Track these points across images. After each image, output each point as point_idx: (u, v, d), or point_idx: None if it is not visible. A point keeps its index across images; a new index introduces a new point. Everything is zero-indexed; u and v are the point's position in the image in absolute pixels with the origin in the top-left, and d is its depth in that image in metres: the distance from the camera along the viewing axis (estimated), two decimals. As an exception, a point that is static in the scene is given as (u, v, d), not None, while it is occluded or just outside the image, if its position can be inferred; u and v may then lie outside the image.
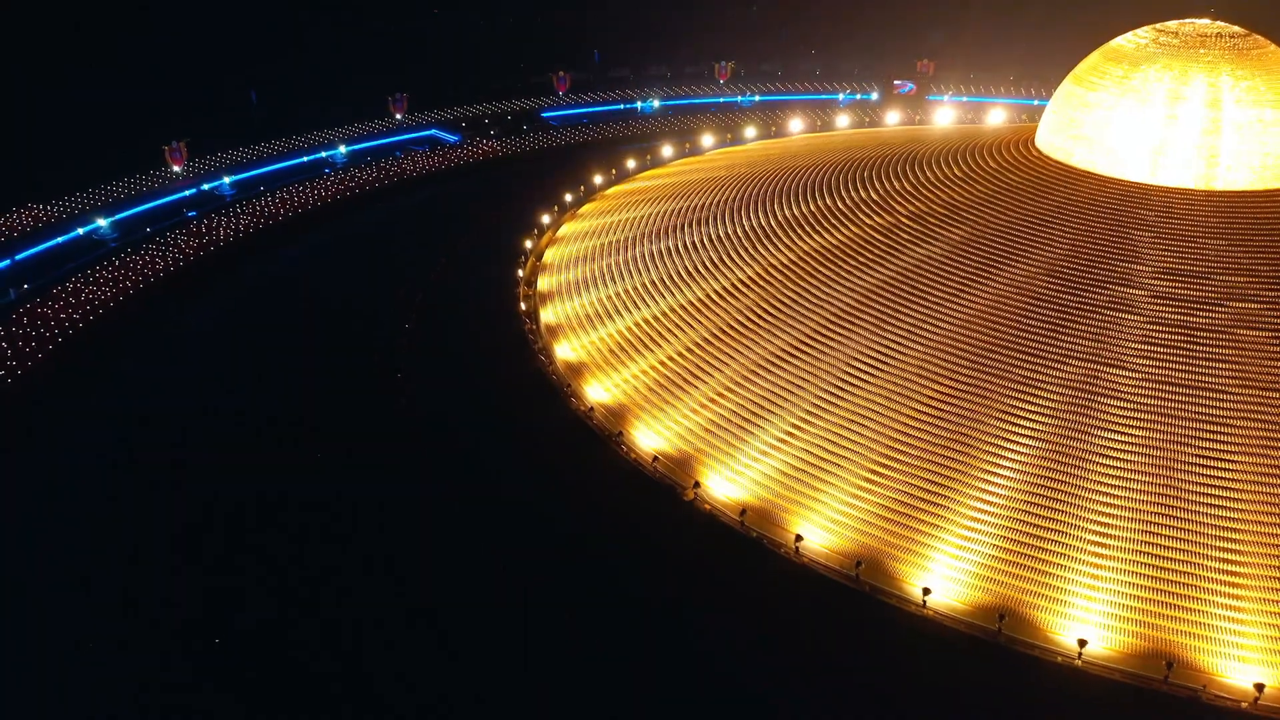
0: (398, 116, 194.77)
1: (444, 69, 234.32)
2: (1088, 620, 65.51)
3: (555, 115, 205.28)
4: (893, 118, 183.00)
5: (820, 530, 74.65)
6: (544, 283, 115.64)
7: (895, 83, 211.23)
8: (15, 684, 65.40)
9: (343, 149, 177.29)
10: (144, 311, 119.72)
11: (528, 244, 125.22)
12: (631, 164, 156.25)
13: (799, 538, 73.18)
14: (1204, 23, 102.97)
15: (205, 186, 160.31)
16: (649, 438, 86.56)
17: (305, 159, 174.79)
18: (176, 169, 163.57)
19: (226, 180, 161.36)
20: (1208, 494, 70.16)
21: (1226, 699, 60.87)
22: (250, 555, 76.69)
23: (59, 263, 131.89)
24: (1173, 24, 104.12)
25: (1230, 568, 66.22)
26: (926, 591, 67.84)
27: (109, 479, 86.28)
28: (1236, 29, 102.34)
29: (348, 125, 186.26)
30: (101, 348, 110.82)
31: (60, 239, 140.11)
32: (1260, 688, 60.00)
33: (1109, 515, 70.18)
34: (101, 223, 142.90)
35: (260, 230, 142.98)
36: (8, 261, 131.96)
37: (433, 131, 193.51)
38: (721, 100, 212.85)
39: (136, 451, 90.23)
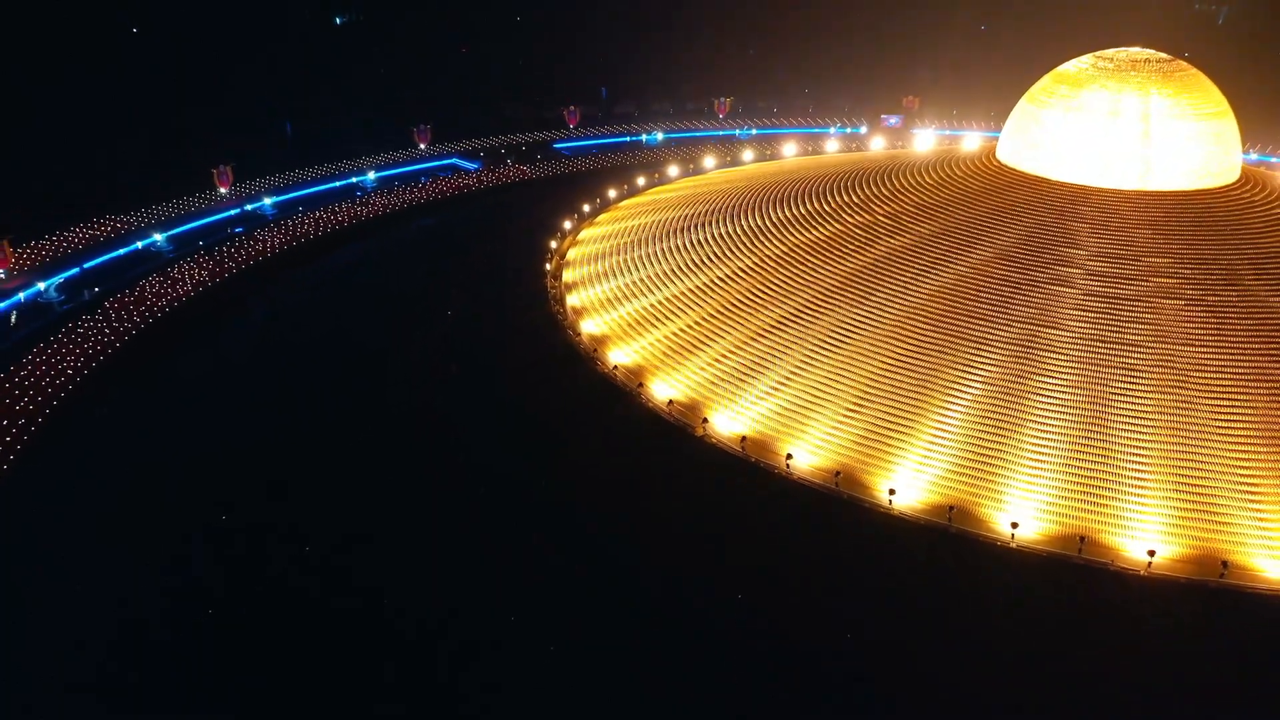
0: (422, 146, 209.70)
1: (465, 103, 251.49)
2: (1020, 515, 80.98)
3: (566, 146, 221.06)
4: (878, 143, 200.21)
5: (806, 455, 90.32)
6: (568, 275, 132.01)
7: (883, 117, 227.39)
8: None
9: (372, 175, 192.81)
10: (198, 314, 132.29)
11: (552, 244, 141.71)
12: (641, 181, 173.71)
13: (789, 456, 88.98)
14: (1136, 50, 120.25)
15: (249, 207, 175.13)
16: (664, 389, 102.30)
17: (338, 183, 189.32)
18: (223, 190, 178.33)
19: (268, 201, 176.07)
20: (1124, 422, 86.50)
21: (1128, 568, 76.46)
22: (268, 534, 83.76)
23: (122, 271, 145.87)
24: (1109, 51, 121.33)
25: (1139, 474, 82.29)
26: (892, 492, 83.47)
27: (131, 475, 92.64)
28: (1163, 55, 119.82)
29: (376, 153, 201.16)
30: (157, 346, 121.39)
31: (122, 250, 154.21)
32: (1151, 553, 75.70)
33: (1042, 437, 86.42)
34: (158, 237, 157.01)
35: (300, 244, 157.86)
36: (77, 269, 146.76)
37: (454, 160, 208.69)
38: (721, 133, 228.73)
39: (165, 449, 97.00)
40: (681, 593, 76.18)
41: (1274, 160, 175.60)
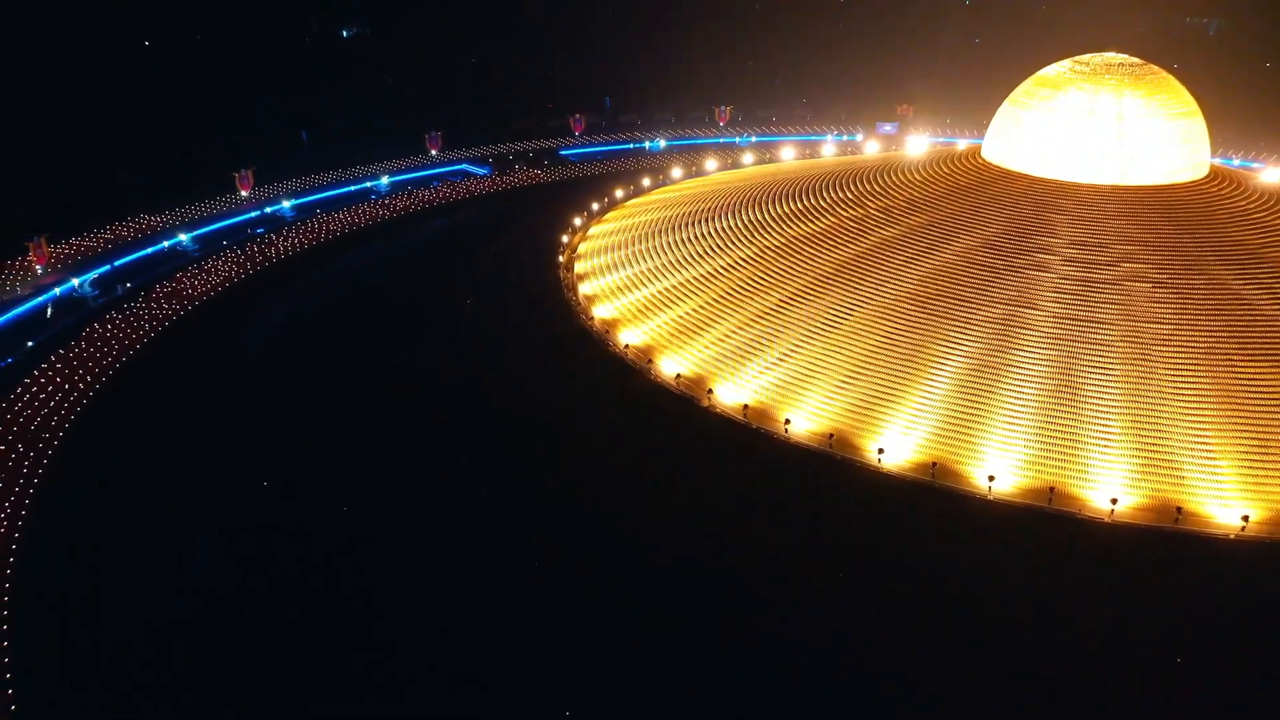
0: (433, 152, 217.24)
1: (474, 111, 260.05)
2: (997, 470, 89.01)
3: (572, 153, 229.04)
4: (872, 149, 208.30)
5: (803, 421, 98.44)
6: (580, 266, 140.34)
7: (878, 124, 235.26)
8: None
9: (385, 179, 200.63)
10: (221, 311, 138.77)
11: (564, 239, 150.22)
12: (647, 182, 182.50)
13: (787, 421, 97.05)
14: (1110, 55, 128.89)
15: (269, 209, 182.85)
16: (672, 366, 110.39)
17: (353, 187, 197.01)
18: (245, 193, 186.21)
19: (287, 204, 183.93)
20: (1091, 388, 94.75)
21: (1093, 516, 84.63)
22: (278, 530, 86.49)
23: (151, 269, 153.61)
24: (1085, 56, 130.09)
25: (1103, 433, 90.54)
26: (881, 451, 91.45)
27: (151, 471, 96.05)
28: (1135, 59, 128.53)
29: (389, 159, 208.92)
30: (182, 342, 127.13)
31: (151, 249, 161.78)
32: (1114, 501, 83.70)
33: (1017, 402, 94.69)
34: (183, 237, 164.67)
35: (318, 245, 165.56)
36: (108, 267, 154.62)
37: (463, 166, 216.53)
38: (721, 140, 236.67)
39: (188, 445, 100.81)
40: (682, 584, 78.35)
41: (1256, 165, 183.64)
